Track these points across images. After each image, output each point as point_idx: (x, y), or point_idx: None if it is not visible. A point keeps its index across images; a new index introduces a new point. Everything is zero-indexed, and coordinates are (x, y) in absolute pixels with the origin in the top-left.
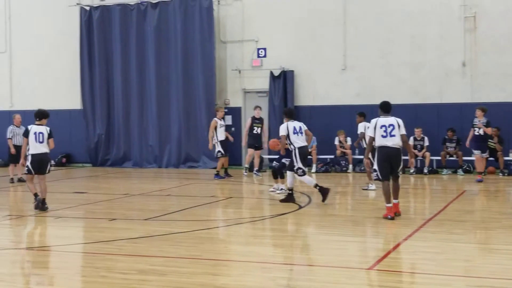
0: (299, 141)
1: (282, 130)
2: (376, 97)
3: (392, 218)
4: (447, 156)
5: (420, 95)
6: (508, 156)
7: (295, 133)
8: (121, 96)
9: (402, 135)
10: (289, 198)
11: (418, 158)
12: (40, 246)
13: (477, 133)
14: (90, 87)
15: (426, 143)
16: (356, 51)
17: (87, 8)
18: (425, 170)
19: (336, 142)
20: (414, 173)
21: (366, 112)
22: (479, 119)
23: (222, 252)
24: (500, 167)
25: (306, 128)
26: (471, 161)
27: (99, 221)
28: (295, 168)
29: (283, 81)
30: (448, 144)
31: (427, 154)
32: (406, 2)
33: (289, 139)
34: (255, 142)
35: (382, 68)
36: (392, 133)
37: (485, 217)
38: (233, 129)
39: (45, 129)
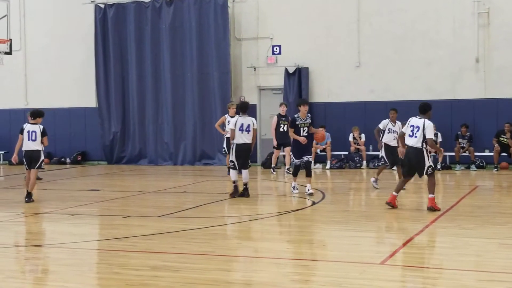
0: (241, 138)
1: (231, 124)
2: (389, 94)
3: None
4: (461, 151)
5: (433, 91)
6: None
7: (240, 129)
8: (136, 93)
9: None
10: (236, 191)
11: (432, 154)
12: (55, 243)
13: None
14: (105, 85)
15: (440, 139)
16: (370, 48)
17: (102, 5)
18: (438, 166)
19: (350, 139)
20: None
21: (380, 109)
22: None
23: (235, 248)
24: None
25: (255, 127)
26: (484, 157)
27: (113, 218)
28: (229, 160)
29: (297, 78)
30: (460, 140)
31: (441, 149)
32: None
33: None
34: (283, 139)
35: (395, 64)
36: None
37: (496, 212)
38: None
39: (38, 128)
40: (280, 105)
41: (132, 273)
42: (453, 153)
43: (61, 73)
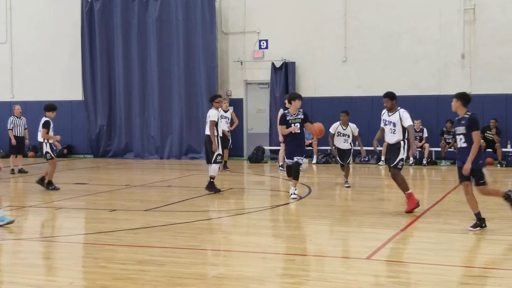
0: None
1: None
2: (376, 89)
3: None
4: (446, 147)
5: (419, 87)
6: (506, 147)
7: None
8: (122, 87)
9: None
10: (212, 186)
11: (418, 149)
12: (40, 237)
13: None
14: (92, 78)
15: (425, 134)
16: (357, 43)
17: None
18: (424, 161)
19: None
20: (413, 164)
21: (367, 104)
22: None
23: (222, 242)
24: (498, 158)
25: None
26: None
27: (99, 212)
28: (216, 154)
29: (284, 73)
30: (446, 135)
31: (426, 145)
32: None
33: (217, 127)
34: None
35: (382, 60)
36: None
37: (481, 208)
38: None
39: (42, 121)
40: (286, 98)
41: (118, 267)
42: (439, 149)
43: (47, 66)
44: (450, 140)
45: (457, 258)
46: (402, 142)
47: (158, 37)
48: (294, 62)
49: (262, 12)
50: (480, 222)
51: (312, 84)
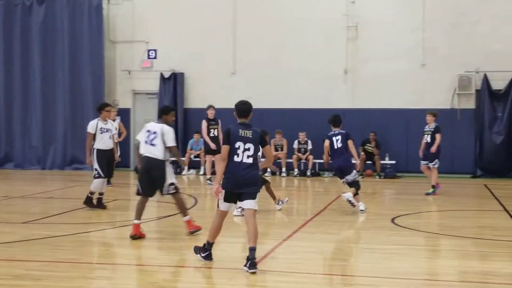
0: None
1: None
2: (265, 102)
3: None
4: (329, 159)
5: (307, 100)
6: (384, 160)
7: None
8: (2, 93)
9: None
10: (90, 202)
11: (302, 161)
12: None
13: (425, 141)
14: None
15: (310, 146)
16: (245, 56)
17: None
18: (308, 173)
19: None
20: (298, 175)
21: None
22: (430, 125)
23: (103, 255)
24: (377, 170)
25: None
26: None
27: None
28: (94, 168)
29: (173, 83)
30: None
31: (310, 157)
32: (294, 10)
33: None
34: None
35: (271, 73)
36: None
37: (361, 218)
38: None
39: None
40: (208, 108)
41: None
42: (322, 161)
43: None
44: None
45: (338, 267)
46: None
47: (42, 44)
48: (183, 73)
49: (151, 22)
50: None
51: (201, 95)
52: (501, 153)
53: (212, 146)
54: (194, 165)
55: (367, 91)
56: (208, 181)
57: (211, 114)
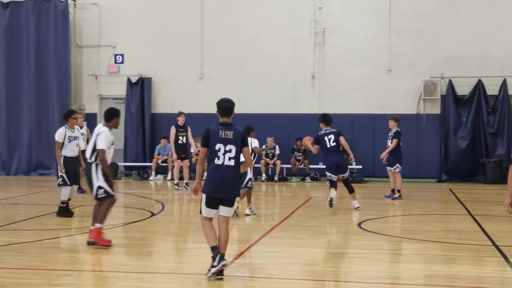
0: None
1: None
2: None
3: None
4: (297, 164)
5: (273, 105)
6: (351, 164)
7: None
8: None
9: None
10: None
11: (270, 166)
12: None
13: (387, 146)
14: None
15: (277, 151)
16: (213, 61)
17: None
18: (276, 178)
19: (192, 150)
20: (266, 180)
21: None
22: (392, 130)
23: (69, 262)
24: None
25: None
26: (318, 169)
27: None
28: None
29: (140, 88)
30: (296, 153)
31: (278, 162)
32: (261, 15)
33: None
34: (181, 152)
35: (238, 78)
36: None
37: (328, 223)
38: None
39: None
40: (179, 114)
41: None
42: (289, 166)
43: None
44: (300, 158)
45: (304, 272)
46: None
47: (7, 48)
48: (151, 78)
49: (118, 26)
50: None
51: (169, 100)
52: (466, 158)
53: (174, 157)
54: (161, 170)
55: (334, 96)
56: (176, 186)
57: (181, 120)
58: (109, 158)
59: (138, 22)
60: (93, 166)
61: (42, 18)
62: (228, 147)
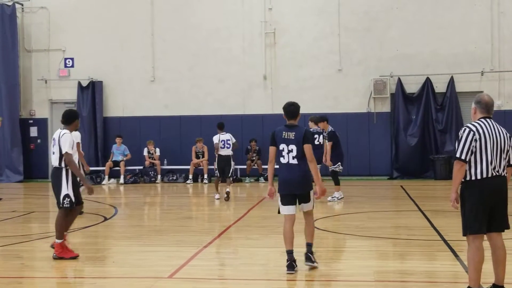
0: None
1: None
2: (184, 109)
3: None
4: (251, 165)
5: (225, 106)
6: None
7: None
8: None
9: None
10: None
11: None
12: None
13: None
14: None
15: None
16: (164, 63)
17: None
18: (230, 179)
19: (145, 153)
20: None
21: (175, 124)
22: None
23: (19, 269)
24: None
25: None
26: None
27: None
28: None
29: (91, 92)
30: (250, 153)
31: (232, 163)
32: (211, 17)
33: None
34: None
35: (189, 80)
36: None
37: (280, 223)
38: (39, 140)
39: None
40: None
41: None
42: (244, 166)
43: None
44: (254, 158)
45: (257, 272)
46: None
47: None
48: (102, 81)
49: (67, 30)
50: None
51: (120, 103)
52: (416, 154)
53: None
54: (114, 174)
55: (286, 96)
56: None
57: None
58: (76, 159)
59: (87, 25)
60: (63, 172)
61: None
62: (290, 147)
